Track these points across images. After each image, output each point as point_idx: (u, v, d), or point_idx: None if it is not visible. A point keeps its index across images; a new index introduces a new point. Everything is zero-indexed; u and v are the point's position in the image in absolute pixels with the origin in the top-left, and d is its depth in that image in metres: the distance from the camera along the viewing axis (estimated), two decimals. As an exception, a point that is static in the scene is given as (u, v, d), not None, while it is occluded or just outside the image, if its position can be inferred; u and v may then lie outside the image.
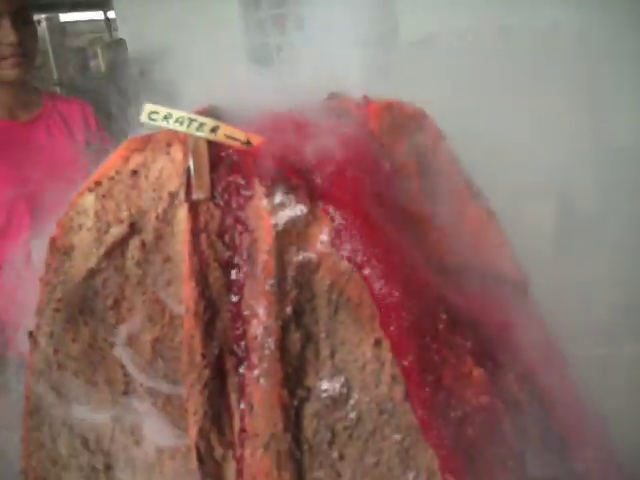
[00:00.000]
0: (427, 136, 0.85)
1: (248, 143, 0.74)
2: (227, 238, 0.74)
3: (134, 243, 0.76)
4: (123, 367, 0.80)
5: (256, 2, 4.06)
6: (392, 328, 0.70)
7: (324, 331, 0.73)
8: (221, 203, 0.74)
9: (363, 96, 0.84)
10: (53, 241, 0.80)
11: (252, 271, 0.73)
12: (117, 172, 0.77)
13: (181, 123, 0.74)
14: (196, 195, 0.73)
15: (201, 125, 0.74)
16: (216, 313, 0.74)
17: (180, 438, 0.80)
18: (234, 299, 0.74)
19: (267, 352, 0.71)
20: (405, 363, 0.70)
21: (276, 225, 0.71)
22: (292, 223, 0.71)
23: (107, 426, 0.85)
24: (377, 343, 0.72)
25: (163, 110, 0.74)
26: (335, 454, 0.75)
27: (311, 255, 0.71)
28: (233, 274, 0.74)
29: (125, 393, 0.82)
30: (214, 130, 0.74)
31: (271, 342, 0.71)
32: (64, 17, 4.70)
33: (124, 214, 0.75)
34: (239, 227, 0.73)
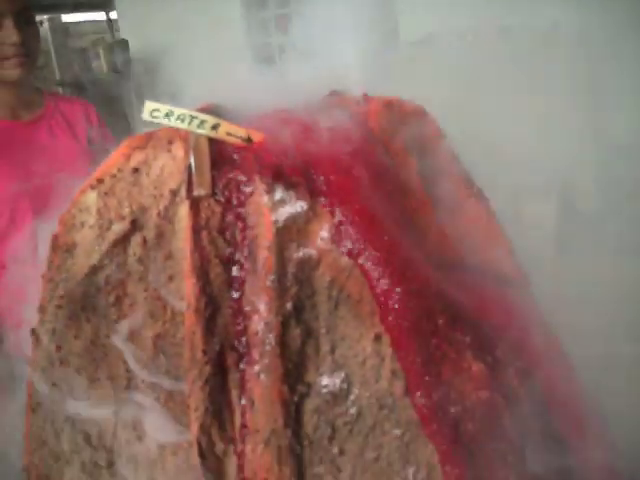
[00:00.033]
0: (427, 133, 0.85)
1: (249, 140, 0.74)
2: (228, 235, 0.74)
3: (136, 240, 0.76)
4: (125, 363, 0.80)
5: (258, 2, 4.06)
6: (392, 324, 0.71)
7: (324, 327, 0.74)
8: (222, 200, 0.74)
9: (363, 94, 0.85)
10: (55, 238, 0.80)
11: (253, 267, 0.73)
12: (119, 170, 0.77)
13: (182, 120, 0.74)
14: (197, 192, 0.73)
15: (202, 122, 0.74)
16: (217, 309, 0.75)
17: (182, 434, 0.81)
18: (235, 295, 0.74)
19: (268, 348, 0.72)
20: (405, 358, 0.71)
21: (276, 221, 0.71)
22: (292, 219, 0.71)
23: (109, 422, 0.85)
24: (377, 338, 0.72)
25: (164, 108, 0.75)
26: (335, 449, 0.75)
27: (311, 251, 0.71)
28: (234, 270, 0.74)
29: (127, 389, 0.82)
30: (215, 127, 0.74)
31: (272, 338, 0.72)
32: (66, 18, 4.71)
33: (126, 211, 0.76)
34: (240, 224, 0.74)
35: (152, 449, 0.84)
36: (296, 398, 0.74)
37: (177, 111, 0.75)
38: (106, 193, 0.77)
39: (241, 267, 0.74)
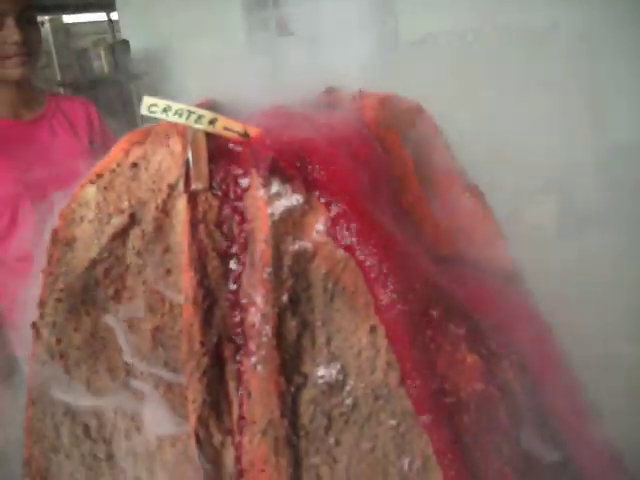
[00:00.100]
0: (423, 129, 0.86)
1: (246, 135, 0.75)
2: (225, 228, 0.75)
3: (134, 233, 0.77)
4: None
5: (258, 2, 4.07)
6: (387, 315, 0.72)
7: (320, 319, 0.75)
8: (219, 194, 0.75)
9: (359, 90, 0.86)
10: (55, 233, 0.81)
11: (250, 260, 0.74)
12: (118, 165, 0.78)
13: (180, 115, 0.75)
14: (195, 186, 0.74)
15: (200, 117, 0.75)
16: (215, 302, 0.76)
17: (180, 426, 0.81)
18: (232, 288, 0.75)
19: (264, 339, 0.73)
20: (400, 350, 0.72)
21: (272, 215, 0.72)
22: (288, 213, 0.72)
23: (108, 415, 0.86)
24: (372, 330, 0.73)
25: (162, 103, 0.76)
26: (331, 440, 0.76)
27: (307, 244, 0.72)
28: (231, 263, 0.75)
29: (126, 382, 0.83)
30: (212, 122, 0.75)
31: (268, 329, 0.72)
32: (67, 19, 4.72)
33: (125, 205, 0.77)
34: (237, 217, 0.75)
35: (151, 441, 0.85)
36: (292, 389, 0.75)
37: (175, 106, 0.76)
38: (105, 187, 0.78)
39: (238, 260, 0.75)
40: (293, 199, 0.72)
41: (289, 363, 0.74)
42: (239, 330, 0.76)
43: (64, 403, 0.87)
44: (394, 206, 0.80)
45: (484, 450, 0.74)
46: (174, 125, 0.77)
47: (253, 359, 0.74)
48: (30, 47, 1.53)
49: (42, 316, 0.83)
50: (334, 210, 0.72)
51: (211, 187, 0.75)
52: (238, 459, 0.78)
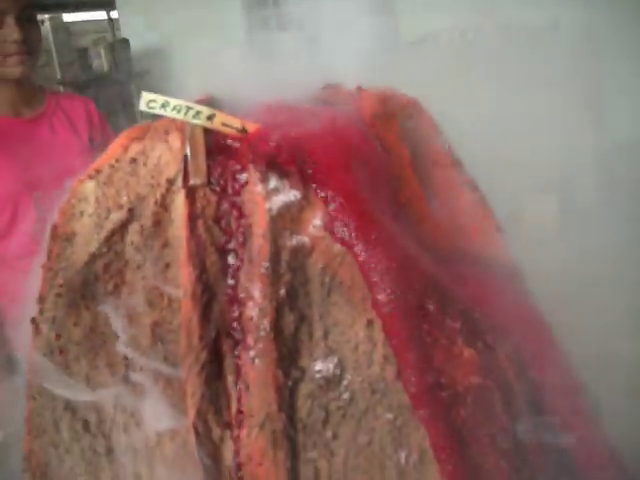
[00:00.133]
0: (420, 125, 0.87)
1: (243, 130, 0.76)
2: (223, 223, 0.76)
3: (133, 228, 0.78)
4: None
5: (259, 1, 4.08)
6: (384, 309, 0.72)
7: (317, 313, 0.75)
8: (217, 189, 0.76)
9: (357, 86, 0.86)
10: (55, 228, 0.82)
11: (248, 255, 0.75)
12: (117, 160, 0.79)
13: (178, 111, 0.76)
14: (193, 181, 0.75)
15: (198, 113, 0.76)
16: (213, 296, 0.76)
17: (180, 420, 0.82)
18: (231, 282, 0.76)
19: (262, 333, 0.73)
20: (397, 344, 0.72)
21: (270, 210, 0.73)
22: (286, 208, 0.73)
23: (108, 409, 0.87)
24: (369, 324, 0.74)
25: (161, 98, 0.76)
26: (329, 433, 0.77)
27: (304, 239, 0.73)
28: (229, 258, 0.76)
29: (125, 377, 0.84)
30: (210, 118, 0.76)
31: (266, 323, 0.73)
32: (67, 17, 4.73)
33: (124, 200, 0.77)
34: (235, 212, 0.75)
35: (150, 436, 0.85)
36: (290, 383, 0.75)
37: (173, 102, 0.76)
38: (104, 183, 0.78)
39: (236, 255, 0.76)
40: (291, 194, 0.72)
41: (287, 357, 0.75)
42: (237, 324, 0.76)
43: (64, 398, 0.87)
44: (392, 202, 0.81)
45: (480, 444, 0.75)
46: (173, 121, 0.78)
47: (251, 353, 0.74)
48: (30, 45, 1.53)
49: (42, 311, 0.84)
50: (331, 205, 0.72)
51: (209, 182, 0.76)
52: (236, 453, 0.79)
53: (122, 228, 0.78)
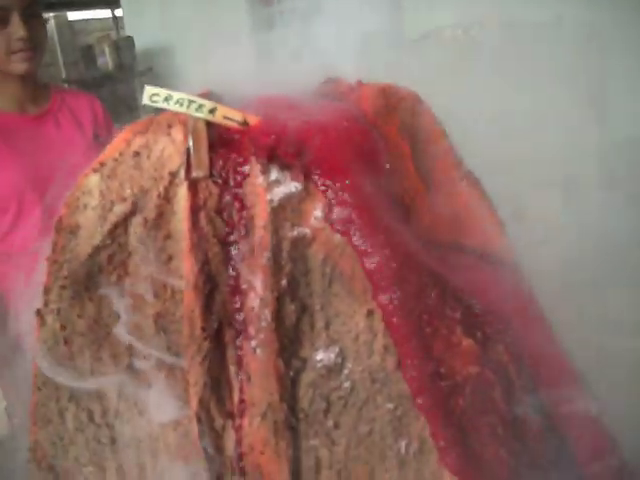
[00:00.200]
0: (421, 118, 0.88)
1: (245, 123, 0.77)
2: (225, 215, 0.77)
3: (137, 221, 0.79)
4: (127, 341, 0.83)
5: (263, -1, 4.08)
6: (384, 300, 0.73)
7: (318, 303, 0.76)
8: (219, 181, 0.77)
9: (357, 80, 0.87)
10: (59, 221, 0.83)
11: (249, 246, 0.76)
12: (121, 154, 0.80)
13: (181, 104, 0.77)
14: (195, 174, 0.76)
15: (200, 106, 0.77)
16: (215, 287, 0.77)
17: (183, 410, 0.83)
18: (232, 273, 0.77)
19: (263, 324, 0.74)
20: (397, 334, 0.73)
21: (271, 201, 0.74)
22: (287, 199, 0.74)
23: (112, 400, 0.88)
24: (370, 314, 0.75)
25: (163, 92, 0.77)
26: (330, 423, 0.78)
27: (305, 230, 0.74)
28: (231, 249, 0.77)
29: (129, 367, 0.85)
30: (212, 111, 0.77)
31: (267, 314, 0.74)
32: (72, 15, 4.75)
33: (127, 193, 0.78)
34: (237, 204, 0.76)
35: (154, 426, 0.86)
36: (292, 372, 0.76)
37: (176, 95, 0.77)
38: (108, 176, 0.79)
39: (238, 246, 0.76)
40: (292, 186, 0.73)
41: (288, 347, 0.76)
42: (239, 315, 0.77)
43: (69, 389, 0.88)
44: (391, 193, 0.81)
45: (480, 433, 0.76)
46: (176, 115, 0.79)
47: (253, 343, 0.75)
48: (35, 42, 1.54)
49: (46, 303, 0.85)
50: (332, 197, 0.73)
51: (211, 175, 0.76)
52: (238, 442, 0.80)
53: (125, 220, 0.79)
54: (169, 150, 0.78)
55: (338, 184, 0.73)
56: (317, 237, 0.74)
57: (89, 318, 0.83)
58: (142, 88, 0.81)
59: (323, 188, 0.73)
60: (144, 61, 4.28)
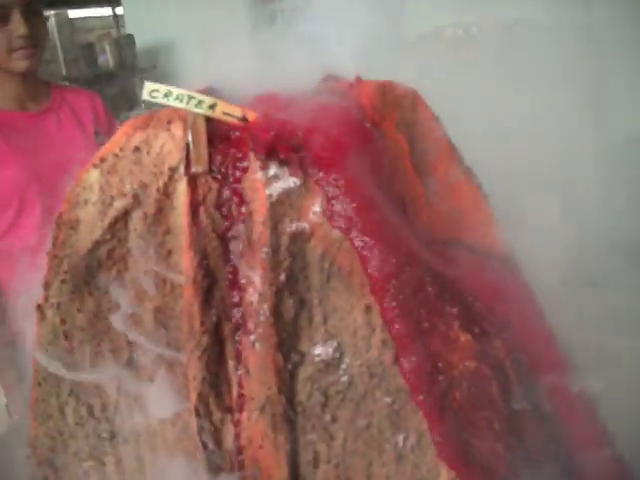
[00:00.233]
0: (419, 115, 0.88)
1: (244, 119, 0.77)
2: (225, 210, 0.77)
3: (137, 215, 0.79)
4: (126, 336, 0.83)
5: (263, -3, 4.07)
6: (382, 295, 0.73)
7: (317, 298, 0.77)
8: (219, 176, 0.77)
9: (356, 77, 0.87)
10: (60, 216, 0.83)
11: (248, 241, 0.76)
12: (121, 149, 0.80)
13: (181, 100, 0.77)
14: (195, 169, 0.76)
15: (200, 102, 0.77)
16: (214, 282, 0.78)
17: (182, 404, 0.84)
18: (231, 268, 0.77)
19: (262, 318, 0.75)
20: (394, 329, 0.74)
21: (270, 196, 0.74)
22: (285, 194, 0.74)
23: (112, 394, 0.88)
24: (368, 309, 0.75)
25: (163, 88, 0.78)
26: (328, 417, 0.78)
27: (304, 225, 0.74)
28: (230, 244, 0.77)
29: (129, 362, 0.85)
30: (212, 107, 0.77)
31: (266, 308, 0.75)
32: (72, 13, 4.75)
33: (127, 188, 0.79)
34: (236, 199, 0.77)
35: (153, 420, 0.87)
36: (290, 367, 0.77)
37: (175, 91, 0.78)
38: (108, 171, 0.80)
39: (237, 241, 0.77)
40: (290, 181, 0.74)
41: (286, 341, 0.76)
42: (238, 310, 0.78)
43: (69, 384, 0.89)
44: (390, 191, 0.82)
45: (477, 427, 0.76)
46: (176, 110, 0.79)
47: (251, 337, 0.76)
48: (36, 40, 1.55)
49: (47, 298, 0.85)
50: (330, 192, 0.73)
51: (211, 170, 0.77)
52: (237, 436, 0.80)
53: (125, 215, 0.80)
54: (169, 146, 0.78)
55: (336, 180, 0.73)
56: (315, 232, 0.74)
57: (89, 312, 0.84)
58: (142, 86, 0.81)
59: (322, 184, 0.74)
60: (145, 59, 4.29)
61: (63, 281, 0.83)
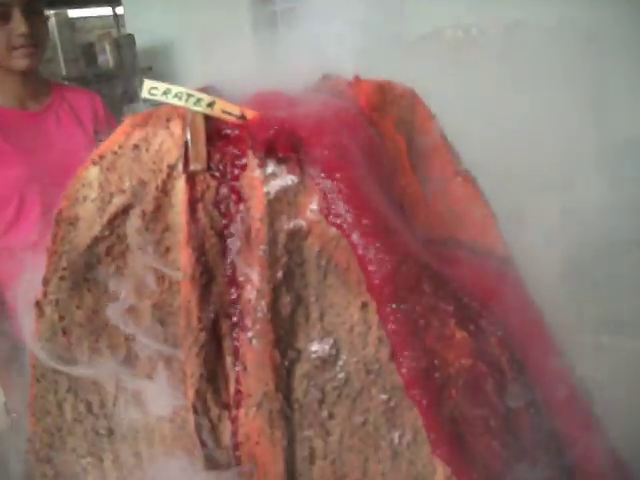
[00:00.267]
0: (417, 114, 0.89)
1: (243, 117, 0.78)
2: (223, 207, 0.78)
3: (135, 212, 0.80)
4: (125, 333, 0.84)
5: (264, -4, 4.08)
6: (378, 292, 0.74)
7: (314, 295, 0.77)
8: (217, 174, 0.78)
9: (355, 76, 0.88)
10: (59, 213, 0.84)
11: (246, 238, 0.77)
12: (120, 146, 0.81)
13: (179, 98, 0.78)
14: (193, 167, 0.77)
15: (198, 100, 0.78)
16: (212, 279, 0.78)
17: (179, 401, 0.84)
18: (229, 265, 0.78)
19: (259, 315, 0.75)
20: (390, 326, 0.74)
21: (268, 194, 0.75)
22: (283, 192, 0.75)
23: (110, 391, 0.88)
24: (364, 306, 0.76)
25: (162, 86, 0.79)
26: (325, 413, 0.79)
27: (301, 222, 0.75)
28: (228, 241, 0.78)
29: (126, 358, 0.86)
30: (211, 105, 0.78)
31: (263, 305, 0.75)
32: (73, 13, 4.76)
33: (126, 185, 0.79)
34: (234, 197, 0.77)
35: (151, 417, 0.87)
36: (287, 363, 0.77)
37: (174, 89, 0.78)
38: (108, 168, 0.80)
39: (235, 238, 0.78)
40: (288, 179, 0.74)
41: (284, 338, 0.77)
42: (236, 307, 0.78)
43: (67, 380, 0.89)
44: (387, 189, 0.82)
45: (473, 425, 0.77)
46: (175, 108, 0.80)
47: (249, 334, 0.76)
48: (37, 38, 1.55)
49: (45, 294, 0.86)
50: (327, 190, 0.74)
51: (209, 168, 0.78)
52: (234, 433, 0.81)
53: (124, 212, 0.80)
54: (167, 143, 0.79)
55: (334, 178, 0.74)
56: (313, 230, 0.75)
57: (87, 309, 0.84)
58: (142, 85, 0.82)
59: (319, 181, 0.74)
60: (145, 59, 4.29)
61: (62, 277, 0.84)
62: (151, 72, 4.08)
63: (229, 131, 0.78)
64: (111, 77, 4.24)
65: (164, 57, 4.12)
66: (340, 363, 0.77)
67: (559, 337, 0.90)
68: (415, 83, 0.94)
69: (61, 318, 0.85)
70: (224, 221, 0.78)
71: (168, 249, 0.80)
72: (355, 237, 0.73)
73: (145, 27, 4.22)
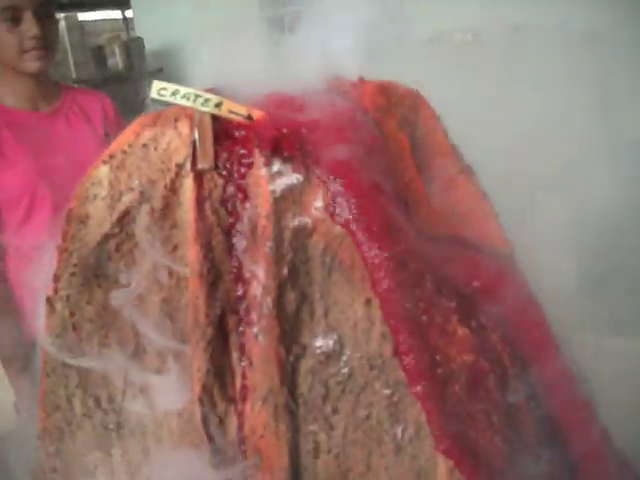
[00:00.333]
0: (420, 114, 0.90)
1: (249, 117, 0.80)
2: (229, 205, 0.79)
3: (144, 210, 0.81)
4: (133, 328, 0.85)
5: (275, 0, 4.09)
6: (382, 289, 0.75)
7: (318, 292, 0.79)
8: (224, 173, 0.79)
9: (359, 77, 0.89)
10: (70, 211, 0.86)
11: (252, 235, 0.78)
12: (129, 146, 0.83)
13: (187, 99, 0.80)
14: (201, 166, 0.79)
15: (206, 101, 0.79)
16: (219, 275, 0.80)
17: (186, 396, 0.85)
18: (236, 262, 0.80)
19: (265, 311, 0.77)
20: (393, 322, 0.76)
21: (274, 192, 0.76)
22: (289, 190, 0.76)
23: (118, 386, 0.90)
24: (368, 303, 0.77)
25: (171, 87, 0.80)
26: (329, 408, 0.80)
27: (306, 220, 0.76)
28: (235, 239, 0.79)
29: (135, 353, 0.88)
30: (218, 105, 0.80)
31: (269, 301, 0.77)
32: (82, 16, 4.79)
33: (135, 183, 0.81)
34: (240, 195, 0.79)
35: (159, 411, 0.89)
36: (292, 359, 0.79)
37: (183, 90, 0.80)
38: (117, 167, 0.82)
39: (241, 235, 0.79)
40: (293, 177, 0.76)
41: (289, 334, 0.78)
42: (242, 303, 0.80)
43: (77, 375, 0.91)
44: (391, 187, 0.84)
45: (475, 420, 0.78)
46: (183, 109, 0.82)
47: (255, 329, 0.78)
48: (48, 41, 1.57)
49: (56, 290, 0.87)
50: (332, 188, 0.75)
51: (216, 167, 0.79)
52: (240, 427, 0.82)
53: (134, 210, 0.82)
54: (176, 143, 0.80)
55: (339, 176, 0.75)
56: (318, 227, 0.76)
57: (97, 304, 0.86)
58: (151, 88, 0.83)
59: (324, 180, 0.76)
60: (154, 62, 4.32)
61: (72, 274, 0.85)
62: (161, 74, 4.10)
63: (236, 131, 0.80)
64: (120, 80, 4.27)
65: (172, 60, 4.14)
66: (344, 358, 0.79)
67: (560, 336, 0.91)
68: (424, 85, 0.95)
69: (72, 314, 0.87)
70: (231, 219, 0.79)
71: (176, 246, 0.81)
72: (359, 235, 0.75)
73: (154, 30, 4.24)
